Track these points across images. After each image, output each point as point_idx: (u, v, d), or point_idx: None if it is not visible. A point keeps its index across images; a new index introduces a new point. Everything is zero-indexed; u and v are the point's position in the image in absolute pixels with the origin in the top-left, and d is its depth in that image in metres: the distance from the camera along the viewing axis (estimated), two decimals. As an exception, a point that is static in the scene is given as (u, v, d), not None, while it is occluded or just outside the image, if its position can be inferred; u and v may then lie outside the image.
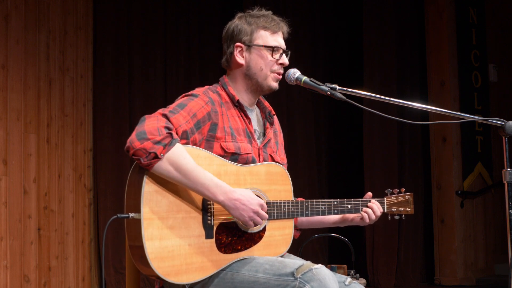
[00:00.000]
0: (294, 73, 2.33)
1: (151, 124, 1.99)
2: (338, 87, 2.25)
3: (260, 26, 2.29)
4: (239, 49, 2.29)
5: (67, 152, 4.90)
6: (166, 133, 1.99)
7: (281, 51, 2.31)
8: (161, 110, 2.08)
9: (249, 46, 2.28)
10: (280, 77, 2.34)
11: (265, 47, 2.28)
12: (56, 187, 4.77)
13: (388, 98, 2.26)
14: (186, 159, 2.00)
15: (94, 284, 5.09)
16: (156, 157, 1.95)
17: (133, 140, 1.96)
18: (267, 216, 2.11)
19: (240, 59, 2.29)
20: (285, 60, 2.33)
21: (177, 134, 2.05)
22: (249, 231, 2.16)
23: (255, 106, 2.41)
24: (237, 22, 2.31)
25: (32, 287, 4.46)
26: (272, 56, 2.29)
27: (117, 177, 5.06)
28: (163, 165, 1.97)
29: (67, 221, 4.86)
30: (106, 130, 5.18)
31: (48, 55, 4.74)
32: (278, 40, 2.32)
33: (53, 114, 4.76)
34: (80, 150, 5.04)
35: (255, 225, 2.09)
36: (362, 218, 2.38)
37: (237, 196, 2.04)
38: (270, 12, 2.35)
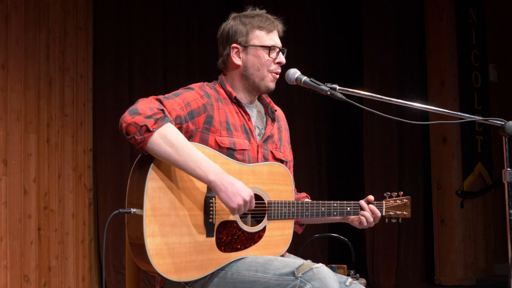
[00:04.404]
0: (294, 73, 2.33)
1: (144, 104, 2.01)
2: (338, 87, 2.25)
3: (255, 26, 2.29)
4: (235, 50, 2.29)
5: (67, 152, 4.90)
6: (158, 110, 1.99)
7: (278, 50, 2.31)
8: (155, 96, 2.10)
9: (246, 46, 2.28)
10: (278, 76, 2.34)
11: (262, 47, 2.28)
12: (56, 187, 4.77)
13: (388, 98, 2.26)
14: (179, 135, 2.00)
15: (94, 284, 5.09)
16: (148, 131, 1.95)
17: (125, 116, 1.98)
18: (253, 207, 2.08)
19: (237, 60, 2.29)
20: (282, 58, 2.33)
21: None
22: (249, 230, 2.16)
23: (257, 102, 2.41)
24: (232, 23, 2.31)
25: (32, 287, 4.45)
26: (269, 55, 2.29)
27: (117, 177, 5.06)
28: (156, 140, 1.96)
29: (67, 221, 4.86)
30: (106, 130, 5.18)
31: (48, 55, 4.74)
32: (274, 39, 2.31)
33: (53, 114, 4.76)
34: (80, 150, 5.04)
35: (239, 214, 2.06)
36: (360, 222, 2.39)
37: (229, 180, 2.01)
38: (264, 11, 2.35)
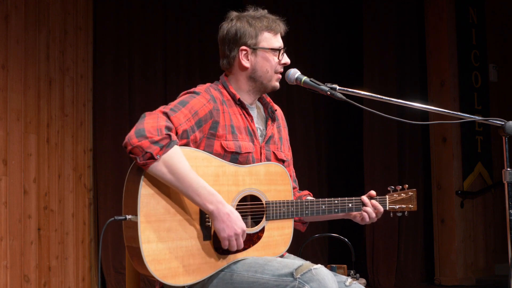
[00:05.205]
0: (294, 73, 2.34)
1: (151, 123, 1.99)
2: (338, 87, 2.26)
3: (263, 28, 2.29)
4: (244, 52, 2.28)
5: (67, 152, 4.90)
6: (165, 134, 1.98)
7: (283, 51, 2.32)
8: (162, 108, 2.08)
9: (255, 49, 2.28)
10: (281, 76, 2.35)
11: (271, 50, 2.29)
12: (56, 187, 4.77)
13: (388, 98, 2.27)
14: (182, 162, 1.99)
15: (94, 284, 5.09)
16: (152, 158, 1.95)
17: (131, 137, 1.96)
18: (242, 245, 2.09)
19: (245, 63, 2.28)
20: (287, 59, 2.34)
21: (177, 133, 2.05)
22: (248, 231, 2.15)
23: (257, 102, 2.41)
24: (239, 25, 2.29)
25: (32, 287, 4.46)
26: (278, 57, 2.30)
27: (117, 177, 5.06)
28: (158, 167, 1.96)
29: (67, 221, 4.86)
30: (106, 130, 5.18)
31: (48, 55, 4.74)
32: (279, 40, 2.33)
33: (53, 114, 4.76)
34: (80, 150, 5.04)
35: (228, 247, 2.06)
36: (362, 218, 2.36)
37: (227, 211, 2.03)
38: (266, 11, 2.34)
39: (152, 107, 2.17)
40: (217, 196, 2.03)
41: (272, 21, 2.31)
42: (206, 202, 2.01)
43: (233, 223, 2.03)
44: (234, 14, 2.34)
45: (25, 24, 4.51)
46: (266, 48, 2.28)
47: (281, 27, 2.34)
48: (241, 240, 2.07)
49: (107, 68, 5.23)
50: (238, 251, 2.13)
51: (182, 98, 2.17)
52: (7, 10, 4.37)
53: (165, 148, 1.97)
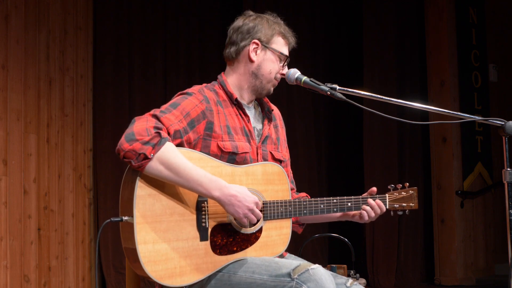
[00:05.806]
0: (294, 73, 2.34)
1: (140, 126, 2.00)
2: (338, 87, 2.26)
3: (279, 32, 2.35)
4: (255, 46, 2.32)
5: (67, 152, 4.90)
6: (155, 132, 1.99)
7: (286, 61, 2.37)
8: (152, 111, 2.09)
9: (266, 47, 2.32)
10: (277, 84, 2.39)
11: (280, 54, 2.33)
12: (56, 187, 4.77)
13: (388, 98, 2.27)
14: (177, 157, 1.99)
15: (94, 284, 5.09)
16: (146, 158, 1.96)
17: (122, 142, 1.98)
18: (261, 215, 2.10)
19: (253, 56, 2.32)
20: (286, 70, 2.38)
21: (168, 133, 2.05)
22: (245, 232, 2.15)
23: (255, 102, 2.42)
24: (258, 21, 2.34)
25: (32, 287, 4.45)
26: (282, 65, 2.35)
27: (117, 177, 5.05)
28: (154, 165, 1.97)
29: (67, 221, 4.86)
30: (106, 130, 5.18)
31: (48, 55, 4.74)
32: (287, 50, 2.38)
33: (53, 114, 4.76)
34: (80, 150, 5.04)
35: (250, 223, 2.08)
36: (361, 216, 2.35)
37: (233, 192, 2.03)
38: (283, 22, 2.41)
39: (152, 107, 2.17)
40: (219, 181, 2.03)
41: (287, 31, 2.39)
42: (210, 190, 2.01)
43: (242, 202, 2.04)
44: (252, 12, 2.41)
45: (25, 24, 4.51)
46: (276, 51, 2.33)
47: (293, 40, 2.41)
48: (257, 211, 2.08)
49: (107, 68, 5.23)
50: (236, 251, 2.13)
51: (174, 100, 2.18)
52: (7, 10, 4.37)
53: (157, 146, 1.97)
